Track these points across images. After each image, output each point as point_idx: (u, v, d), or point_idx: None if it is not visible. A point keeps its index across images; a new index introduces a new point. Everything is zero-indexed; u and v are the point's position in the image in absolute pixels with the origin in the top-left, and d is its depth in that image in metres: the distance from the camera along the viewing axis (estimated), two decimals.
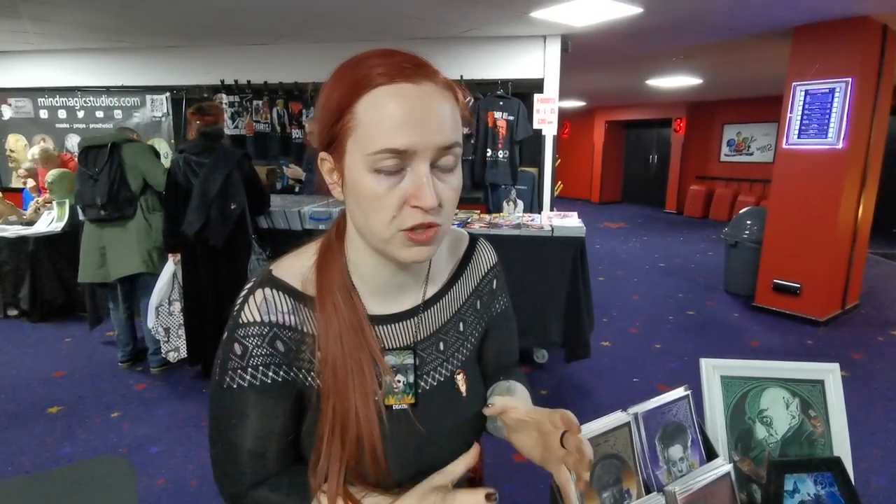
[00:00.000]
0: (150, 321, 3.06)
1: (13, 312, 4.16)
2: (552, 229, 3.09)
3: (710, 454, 0.86)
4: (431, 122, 0.55)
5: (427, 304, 0.71)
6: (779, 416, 0.86)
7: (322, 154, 0.62)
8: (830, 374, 0.87)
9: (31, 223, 4.24)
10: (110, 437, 2.55)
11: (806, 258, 4.14)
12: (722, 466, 0.82)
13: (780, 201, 4.28)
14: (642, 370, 3.36)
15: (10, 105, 4.99)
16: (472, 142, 4.28)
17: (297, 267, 0.67)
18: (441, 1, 3.32)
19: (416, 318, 0.70)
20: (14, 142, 5.03)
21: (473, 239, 0.80)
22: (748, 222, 4.86)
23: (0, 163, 5.20)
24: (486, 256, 0.80)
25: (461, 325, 0.75)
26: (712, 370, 0.89)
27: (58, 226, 4.08)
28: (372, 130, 0.55)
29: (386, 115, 0.54)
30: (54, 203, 4.12)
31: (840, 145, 3.87)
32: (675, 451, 0.84)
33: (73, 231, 3.92)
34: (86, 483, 0.81)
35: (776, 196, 4.32)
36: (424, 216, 0.57)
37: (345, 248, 0.67)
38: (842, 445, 0.85)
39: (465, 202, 4.40)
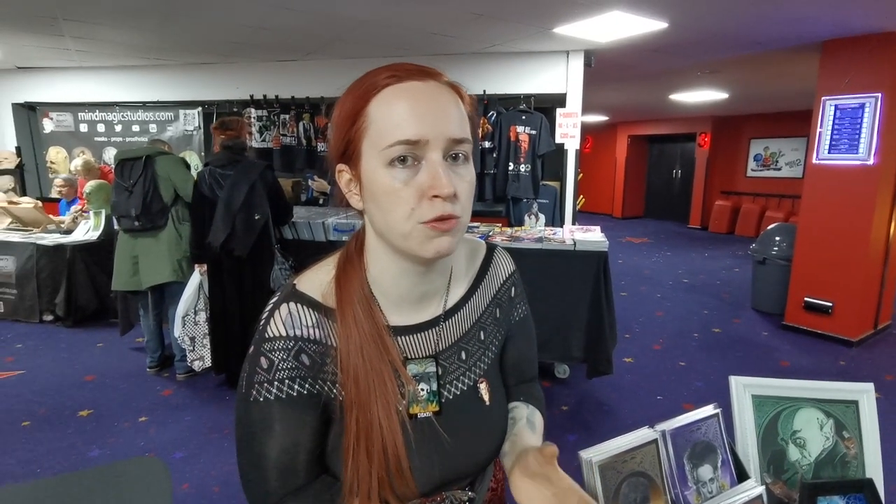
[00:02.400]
0: (177, 330, 3.13)
1: (49, 318, 4.30)
2: (574, 243, 3.08)
3: (742, 475, 0.85)
4: (440, 114, 0.58)
5: (447, 314, 0.72)
6: (813, 437, 0.84)
7: (339, 166, 0.64)
8: (865, 395, 0.85)
9: (68, 232, 4.40)
10: (137, 440, 2.61)
11: (838, 276, 4.02)
12: (754, 488, 0.80)
13: (811, 217, 4.18)
14: (666, 388, 3.30)
15: (51, 119, 5.22)
16: (495, 155, 4.30)
17: (317, 281, 0.68)
18: (465, 18, 3.37)
19: (436, 328, 0.70)
20: (55, 154, 5.25)
21: (490, 248, 0.81)
22: (777, 238, 4.75)
23: (41, 174, 5.43)
24: (504, 265, 0.80)
25: (482, 333, 0.75)
26: (743, 389, 0.87)
27: (94, 234, 4.23)
28: (384, 126, 0.57)
29: (396, 110, 0.57)
30: (91, 212, 4.27)
31: (871, 161, 3.78)
32: (705, 471, 0.83)
33: (108, 240, 4.06)
34: (121, 484, 0.83)
35: (806, 212, 4.22)
36: (443, 206, 0.57)
37: (364, 261, 0.68)
38: (874, 467, 0.82)
39: (486, 215, 4.41)
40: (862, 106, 3.77)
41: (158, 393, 3.13)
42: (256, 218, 2.85)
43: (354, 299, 0.65)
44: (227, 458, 2.46)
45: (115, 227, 3.27)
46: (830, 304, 4.08)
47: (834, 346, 4.01)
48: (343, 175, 0.64)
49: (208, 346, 3.13)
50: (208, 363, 3.16)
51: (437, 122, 0.57)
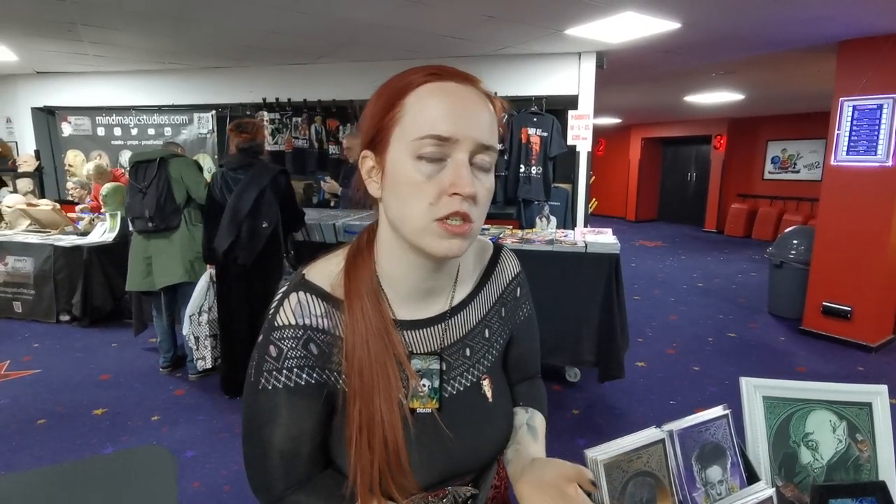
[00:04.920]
0: (185, 328, 3.14)
1: (65, 318, 4.38)
2: (586, 245, 3.05)
3: (752, 478, 0.83)
4: (473, 118, 0.59)
5: (454, 310, 0.72)
6: (825, 439, 0.82)
7: (364, 152, 0.65)
8: (878, 397, 0.83)
9: (85, 233, 4.48)
10: (150, 439, 2.64)
11: (857, 280, 3.94)
12: (763, 491, 0.78)
13: (829, 220, 4.10)
14: (679, 392, 3.25)
15: (69, 123, 5.33)
16: (506, 158, 4.30)
17: (327, 271, 0.68)
18: (477, 20, 3.37)
19: (443, 324, 0.71)
20: (73, 157, 5.36)
21: (497, 248, 0.82)
22: (794, 242, 4.66)
23: (59, 177, 5.54)
24: (510, 265, 0.81)
25: (487, 331, 0.76)
26: (754, 390, 0.86)
27: (109, 236, 4.30)
28: (418, 118, 0.58)
29: (432, 105, 0.58)
30: (107, 214, 4.35)
31: (890, 163, 3.70)
32: (714, 472, 0.81)
33: (123, 241, 4.12)
34: (127, 470, 0.84)
35: (824, 215, 4.15)
36: (461, 204, 0.58)
37: (374, 254, 0.68)
38: (888, 470, 0.80)
39: (497, 218, 4.40)
40: (880, 107, 3.70)
41: (171, 392, 3.17)
42: (264, 226, 2.79)
43: (363, 291, 0.65)
44: (238, 457, 2.47)
45: (130, 228, 3.32)
46: (849, 309, 4.00)
47: (852, 352, 3.92)
48: (367, 161, 0.65)
49: (209, 347, 3.11)
50: (209, 364, 3.14)
51: (470, 124, 0.58)
